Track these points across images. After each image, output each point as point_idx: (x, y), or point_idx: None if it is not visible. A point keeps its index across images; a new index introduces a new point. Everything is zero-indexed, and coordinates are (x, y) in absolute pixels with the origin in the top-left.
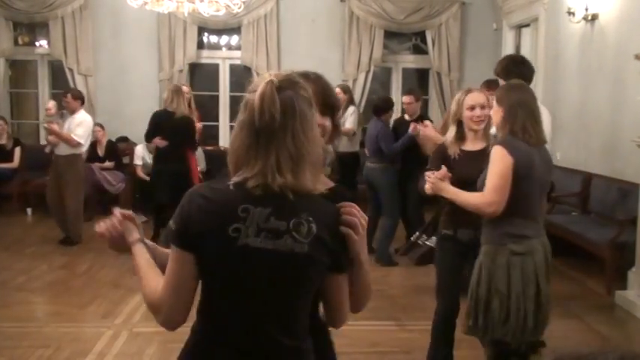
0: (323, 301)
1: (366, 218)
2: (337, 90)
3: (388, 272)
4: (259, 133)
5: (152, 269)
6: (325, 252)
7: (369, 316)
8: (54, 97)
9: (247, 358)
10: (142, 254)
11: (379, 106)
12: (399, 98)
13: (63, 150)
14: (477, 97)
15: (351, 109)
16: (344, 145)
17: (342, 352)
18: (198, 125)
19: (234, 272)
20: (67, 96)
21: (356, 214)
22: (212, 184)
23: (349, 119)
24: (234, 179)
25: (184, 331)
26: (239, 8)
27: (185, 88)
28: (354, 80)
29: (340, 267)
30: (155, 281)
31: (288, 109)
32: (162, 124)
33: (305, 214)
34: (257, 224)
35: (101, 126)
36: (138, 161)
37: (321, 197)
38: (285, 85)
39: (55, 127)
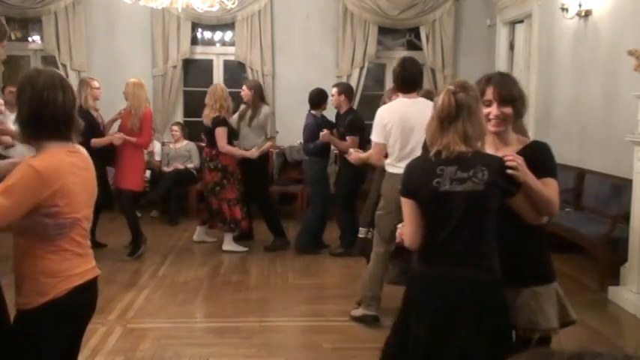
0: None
1: (522, 158)
2: (244, 87)
3: None
4: (442, 122)
5: None
6: (496, 187)
7: None
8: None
9: (453, 281)
10: None
11: (312, 98)
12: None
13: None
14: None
15: (266, 108)
16: (251, 140)
17: (337, 348)
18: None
19: (439, 209)
20: (6, 90)
21: (513, 159)
22: (420, 158)
23: (261, 119)
24: (432, 153)
25: (178, 327)
26: (233, 4)
27: (95, 83)
28: (348, 76)
29: (511, 193)
30: None
31: (460, 105)
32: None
33: (479, 165)
34: (449, 177)
35: None
36: (157, 157)
37: (488, 153)
38: (459, 89)
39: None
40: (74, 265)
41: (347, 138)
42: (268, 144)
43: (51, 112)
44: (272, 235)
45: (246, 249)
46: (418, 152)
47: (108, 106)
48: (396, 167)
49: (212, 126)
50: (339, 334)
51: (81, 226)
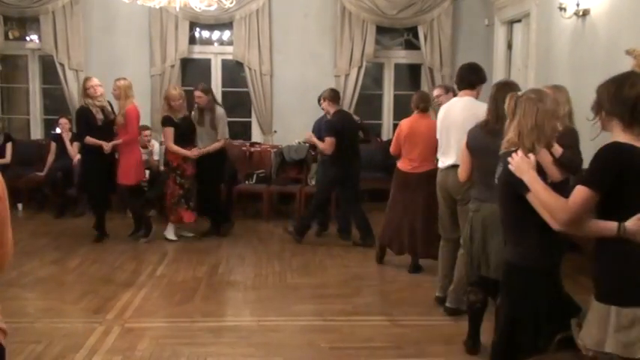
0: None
1: (524, 158)
2: (197, 92)
3: (382, 268)
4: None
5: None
6: (508, 182)
7: (361, 312)
8: None
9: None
10: None
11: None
12: (391, 94)
13: None
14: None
15: (220, 110)
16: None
17: (335, 348)
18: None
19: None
20: None
21: (513, 162)
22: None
23: (216, 121)
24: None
25: (176, 326)
26: (231, 3)
27: (93, 81)
28: (346, 76)
29: (518, 189)
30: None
31: (517, 106)
32: None
33: (504, 160)
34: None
35: None
36: (156, 156)
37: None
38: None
39: None
40: None
41: (325, 139)
42: (216, 145)
43: None
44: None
45: (190, 234)
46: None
47: None
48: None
49: (161, 125)
50: (337, 333)
51: None
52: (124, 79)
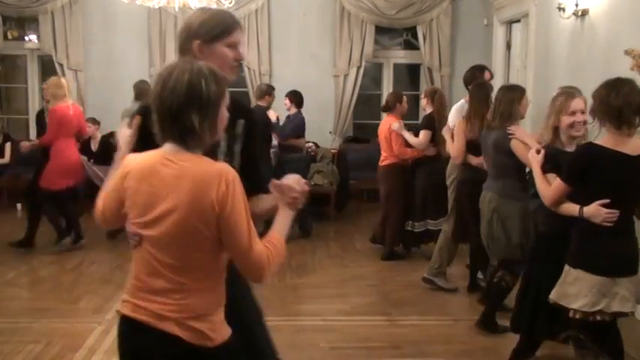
0: None
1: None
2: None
3: (381, 268)
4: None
5: None
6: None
7: (360, 312)
8: None
9: None
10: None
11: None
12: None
13: None
14: (579, 103)
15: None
16: None
17: (334, 347)
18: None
19: None
20: None
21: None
22: None
23: None
24: None
25: None
26: (230, 3)
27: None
28: (345, 76)
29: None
30: None
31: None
32: None
33: None
34: None
35: (96, 121)
36: None
37: None
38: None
39: None
40: None
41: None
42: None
43: None
44: None
45: None
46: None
47: (107, 105)
48: None
49: None
50: (336, 333)
51: None
52: (56, 77)
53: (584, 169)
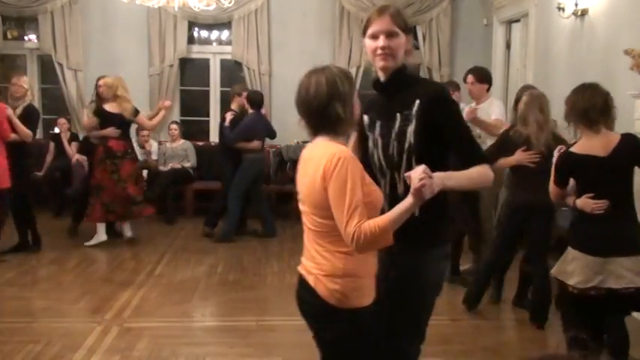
0: None
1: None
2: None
3: None
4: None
5: None
6: None
7: None
8: None
9: None
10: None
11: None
12: None
13: None
14: None
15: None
16: None
17: None
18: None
19: None
20: None
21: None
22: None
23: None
24: None
25: (174, 326)
26: (229, 3)
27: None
28: None
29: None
30: None
31: None
32: None
33: None
34: None
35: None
36: (154, 156)
37: None
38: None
39: None
40: None
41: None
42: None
43: None
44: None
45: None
46: None
47: None
48: None
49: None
50: None
51: None
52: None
53: (566, 174)
